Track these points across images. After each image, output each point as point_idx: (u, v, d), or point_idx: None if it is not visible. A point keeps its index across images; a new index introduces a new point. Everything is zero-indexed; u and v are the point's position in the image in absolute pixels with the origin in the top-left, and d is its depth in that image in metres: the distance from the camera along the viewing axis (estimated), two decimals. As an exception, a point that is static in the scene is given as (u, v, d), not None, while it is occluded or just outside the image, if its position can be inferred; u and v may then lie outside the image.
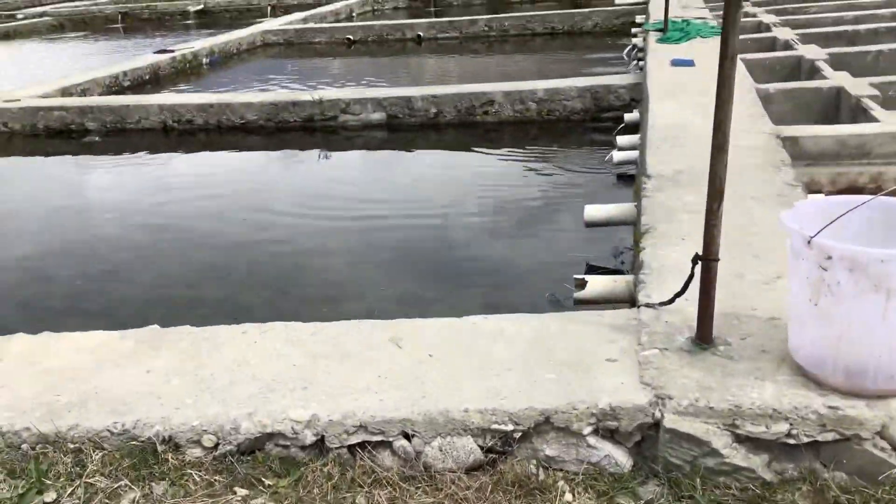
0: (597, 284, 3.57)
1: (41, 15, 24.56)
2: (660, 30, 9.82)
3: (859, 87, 6.12)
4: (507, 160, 7.36)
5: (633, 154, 5.88)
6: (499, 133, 8.16)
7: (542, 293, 4.42)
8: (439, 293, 4.58)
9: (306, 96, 8.68)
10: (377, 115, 8.53)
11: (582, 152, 7.34)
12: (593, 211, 4.61)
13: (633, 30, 13.40)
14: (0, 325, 3.89)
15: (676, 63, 7.59)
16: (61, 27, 23.77)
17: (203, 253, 5.53)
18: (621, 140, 6.41)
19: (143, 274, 5.21)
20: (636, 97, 8.06)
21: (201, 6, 24.34)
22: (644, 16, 14.52)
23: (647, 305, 2.80)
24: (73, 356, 2.85)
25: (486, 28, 15.54)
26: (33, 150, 8.82)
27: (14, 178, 8.10)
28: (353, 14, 21.16)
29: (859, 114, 5.74)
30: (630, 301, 3.45)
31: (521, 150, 7.57)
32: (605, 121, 8.12)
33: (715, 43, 9.04)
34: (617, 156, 5.98)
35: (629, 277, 3.58)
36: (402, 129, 8.46)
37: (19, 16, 24.73)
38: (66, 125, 9.00)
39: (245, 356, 2.74)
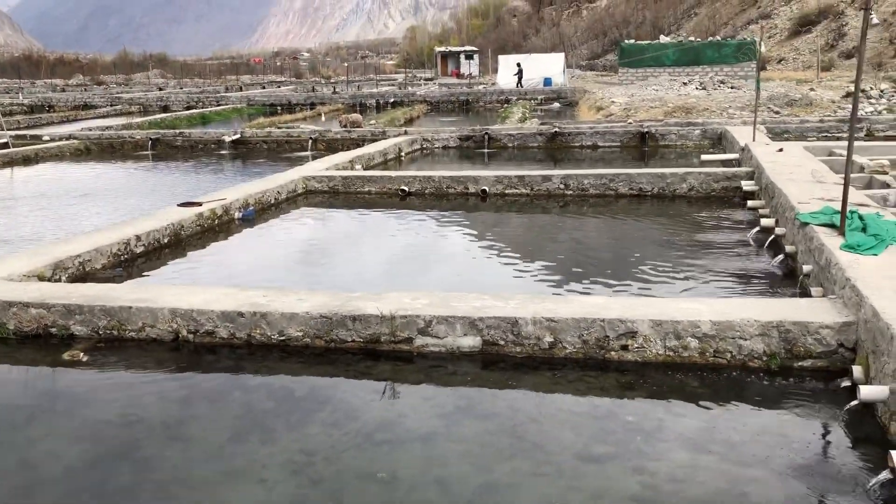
0: None
1: (68, 137, 23.13)
2: (830, 225, 7.52)
3: None
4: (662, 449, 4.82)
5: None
6: (643, 379, 5.67)
7: None
8: None
9: (371, 307, 6.34)
10: (469, 341, 6.16)
11: (782, 444, 4.76)
12: None
13: (751, 204, 11.23)
14: None
15: (918, 303, 5.22)
16: (87, 151, 22.26)
17: None
18: (901, 461, 3.92)
19: None
20: (845, 343, 5.66)
21: (237, 136, 22.79)
22: (751, 182, 12.38)
23: None
24: None
25: (561, 185, 13.47)
26: (-1, 358, 6.49)
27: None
28: (402, 154, 19.38)
29: None
30: None
31: (683, 427, 5.07)
32: (803, 376, 5.67)
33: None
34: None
35: None
36: (503, 364, 6.03)
37: (45, 137, 23.32)
38: (45, 328, 6.68)
39: None
